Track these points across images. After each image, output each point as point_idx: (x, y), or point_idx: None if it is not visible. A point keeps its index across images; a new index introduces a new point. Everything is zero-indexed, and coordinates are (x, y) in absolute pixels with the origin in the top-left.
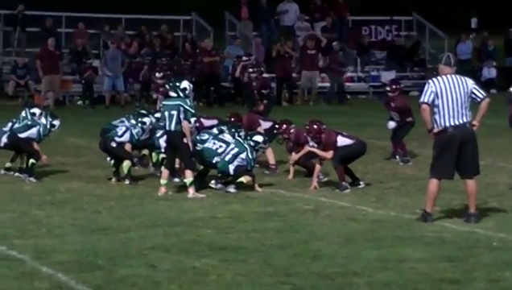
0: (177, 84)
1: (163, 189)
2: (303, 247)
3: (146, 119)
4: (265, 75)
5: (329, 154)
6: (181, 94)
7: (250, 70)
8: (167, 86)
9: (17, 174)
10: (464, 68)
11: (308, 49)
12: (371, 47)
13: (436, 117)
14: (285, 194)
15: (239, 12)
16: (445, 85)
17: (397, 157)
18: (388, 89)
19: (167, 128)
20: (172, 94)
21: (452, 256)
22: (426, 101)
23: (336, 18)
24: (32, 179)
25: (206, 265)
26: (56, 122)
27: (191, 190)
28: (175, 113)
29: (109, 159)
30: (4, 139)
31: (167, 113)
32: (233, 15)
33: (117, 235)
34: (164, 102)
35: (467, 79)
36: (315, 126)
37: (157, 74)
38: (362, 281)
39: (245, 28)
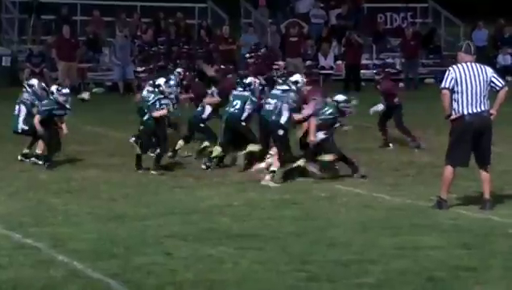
0: (244, 80)
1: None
2: (320, 235)
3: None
4: (280, 62)
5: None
6: (247, 88)
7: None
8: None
9: (33, 159)
10: (480, 56)
11: (291, 36)
12: (386, 34)
13: (455, 104)
14: (301, 181)
15: None
16: (465, 73)
17: (410, 143)
18: (375, 72)
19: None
20: (240, 89)
21: (467, 243)
22: (447, 86)
23: (351, 5)
24: (46, 165)
25: (222, 253)
26: (53, 88)
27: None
28: (239, 102)
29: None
30: (21, 125)
31: (237, 102)
32: (249, 3)
33: (133, 223)
34: (235, 92)
35: (487, 67)
36: None
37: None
38: (378, 269)
39: (261, 16)
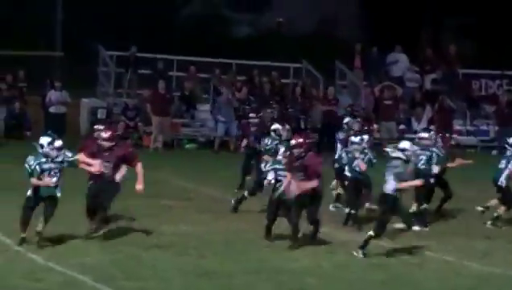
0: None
1: None
2: None
3: None
4: (374, 126)
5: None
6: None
7: None
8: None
9: None
10: None
11: (385, 99)
12: (481, 100)
13: None
14: (390, 245)
15: (351, 61)
16: None
17: None
18: None
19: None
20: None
21: None
22: None
23: (446, 70)
24: None
25: None
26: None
27: None
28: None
29: None
30: None
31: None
32: (344, 64)
33: (220, 280)
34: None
35: None
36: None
37: None
38: None
39: (355, 77)
